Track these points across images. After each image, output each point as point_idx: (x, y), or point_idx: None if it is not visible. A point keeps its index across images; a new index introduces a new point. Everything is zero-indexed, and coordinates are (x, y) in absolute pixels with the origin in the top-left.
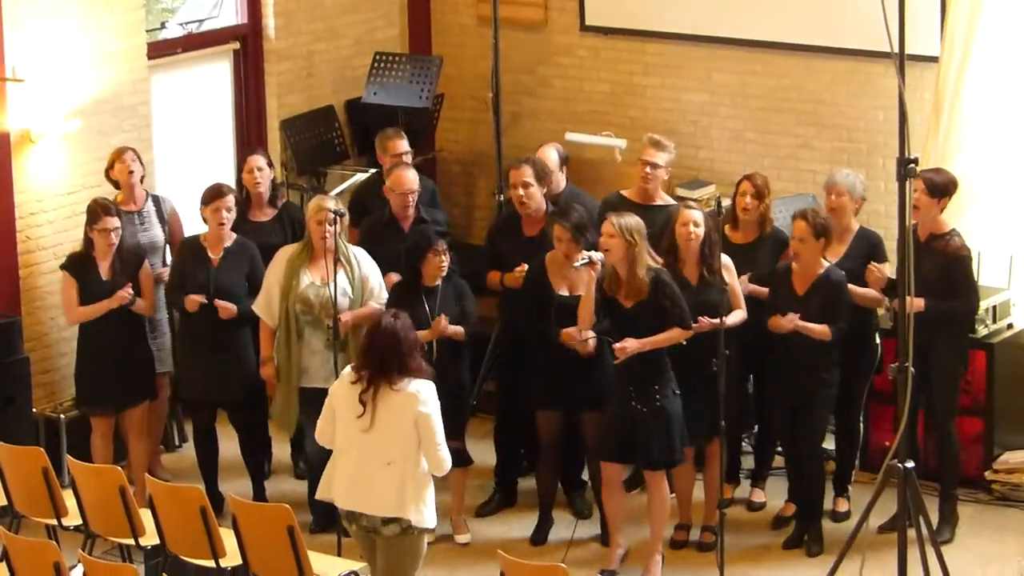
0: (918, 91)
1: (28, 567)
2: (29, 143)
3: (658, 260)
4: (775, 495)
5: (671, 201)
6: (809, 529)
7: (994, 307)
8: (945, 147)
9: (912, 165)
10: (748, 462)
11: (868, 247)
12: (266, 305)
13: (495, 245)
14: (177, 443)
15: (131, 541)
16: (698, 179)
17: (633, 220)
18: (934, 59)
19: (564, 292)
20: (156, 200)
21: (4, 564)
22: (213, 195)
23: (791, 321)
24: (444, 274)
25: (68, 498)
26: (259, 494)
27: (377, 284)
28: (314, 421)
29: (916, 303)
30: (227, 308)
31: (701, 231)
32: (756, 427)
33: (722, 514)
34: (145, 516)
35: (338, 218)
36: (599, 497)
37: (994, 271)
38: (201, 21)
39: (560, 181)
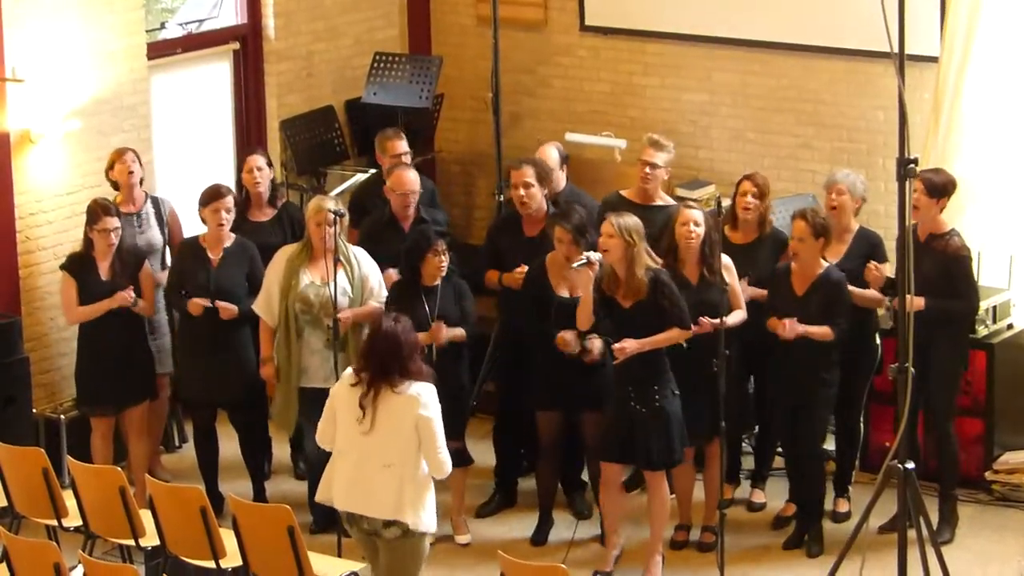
0: (918, 91)
1: (28, 568)
2: (29, 143)
3: (657, 260)
4: (775, 495)
5: (671, 201)
6: (809, 529)
7: (994, 307)
8: (945, 147)
9: (912, 165)
10: (748, 462)
11: (868, 247)
12: (266, 305)
13: (495, 244)
14: (177, 443)
15: (131, 542)
16: (698, 179)
17: (632, 220)
18: (934, 59)
19: (564, 294)
20: (155, 202)
21: (4, 565)
22: (212, 196)
23: (792, 330)
24: (444, 274)
25: (68, 499)
26: (259, 494)
27: (377, 283)
28: (314, 421)
29: (916, 302)
30: (228, 309)
31: (701, 231)
32: (756, 427)
33: (722, 514)
34: (145, 517)
35: (338, 218)
36: (599, 497)
37: (994, 271)
38: (201, 21)
39: (560, 180)
